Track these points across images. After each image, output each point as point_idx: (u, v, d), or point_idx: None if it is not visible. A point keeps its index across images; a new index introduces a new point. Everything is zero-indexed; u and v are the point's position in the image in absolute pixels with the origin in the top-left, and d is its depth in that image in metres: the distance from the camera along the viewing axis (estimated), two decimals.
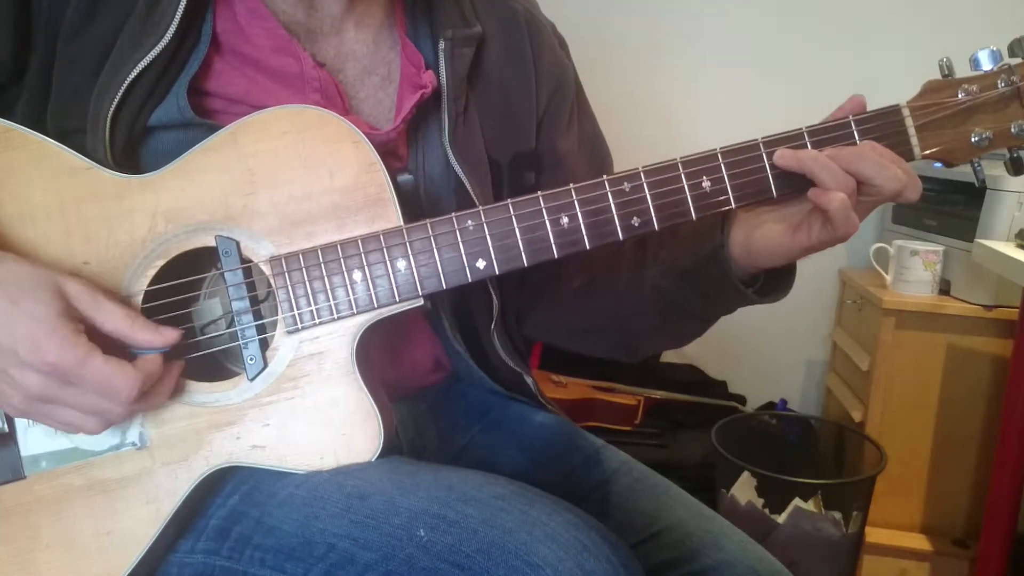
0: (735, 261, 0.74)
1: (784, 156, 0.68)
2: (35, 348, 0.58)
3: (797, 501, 1.59)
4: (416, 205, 0.76)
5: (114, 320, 0.62)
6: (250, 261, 0.69)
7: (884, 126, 0.68)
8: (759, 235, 0.72)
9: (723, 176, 0.68)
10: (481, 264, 0.69)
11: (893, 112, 0.68)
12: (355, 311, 0.68)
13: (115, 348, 0.62)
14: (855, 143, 0.68)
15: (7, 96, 0.75)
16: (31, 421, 0.66)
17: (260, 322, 0.69)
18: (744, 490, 1.63)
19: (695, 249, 0.77)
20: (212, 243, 0.68)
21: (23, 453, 0.67)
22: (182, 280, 0.69)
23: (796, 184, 0.68)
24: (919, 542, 1.76)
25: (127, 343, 0.63)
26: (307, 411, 0.68)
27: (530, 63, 0.88)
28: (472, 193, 0.78)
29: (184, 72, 0.73)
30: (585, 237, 0.69)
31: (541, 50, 0.89)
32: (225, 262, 0.68)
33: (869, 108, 0.69)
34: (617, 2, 2.16)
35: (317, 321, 0.68)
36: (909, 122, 0.68)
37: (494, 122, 0.85)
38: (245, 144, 0.68)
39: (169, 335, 0.64)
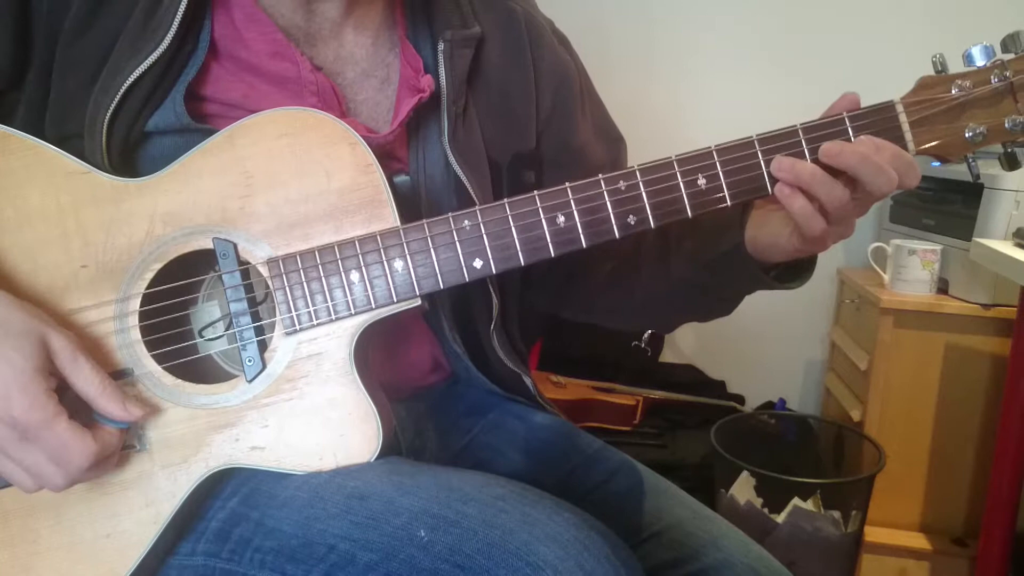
0: (750, 255, 0.75)
1: (782, 168, 0.67)
2: (5, 398, 0.58)
3: (796, 501, 1.59)
4: (416, 206, 0.76)
5: (86, 384, 0.62)
6: (248, 263, 0.69)
7: (878, 122, 0.68)
8: (764, 233, 0.73)
9: (718, 173, 0.68)
10: (478, 264, 0.69)
11: (887, 108, 0.69)
12: (353, 312, 0.68)
13: (82, 412, 0.63)
14: (850, 141, 0.68)
15: (6, 102, 0.75)
16: None
17: (258, 324, 0.69)
18: (743, 490, 1.63)
19: (716, 244, 0.77)
20: (210, 246, 0.68)
21: None
22: (180, 283, 0.69)
23: None
24: (919, 541, 1.76)
25: (93, 407, 0.63)
26: (306, 412, 0.68)
27: (530, 63, 0.88)
28: (472, 193, 0.78)
29: (182, 77, 0.73)
30: (581, 236, 0.69)
31: (541, 50, 0.89)
32: (223, 264, 0.68)
33: (862, 105, 0.69)
34: (612, 2, 2.16)
35: (315, 322, 0.68)
36: (903, 118, 0.68)
37: (494, 122, 0.85)
38: (242, 147, 0.69)
39: (133, 412, 0.64)
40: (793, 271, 0.77)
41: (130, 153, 0.73)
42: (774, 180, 0.68)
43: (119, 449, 0.65)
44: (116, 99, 0.70)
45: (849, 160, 0.65)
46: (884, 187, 0.65)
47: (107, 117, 0.70)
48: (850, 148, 0.66)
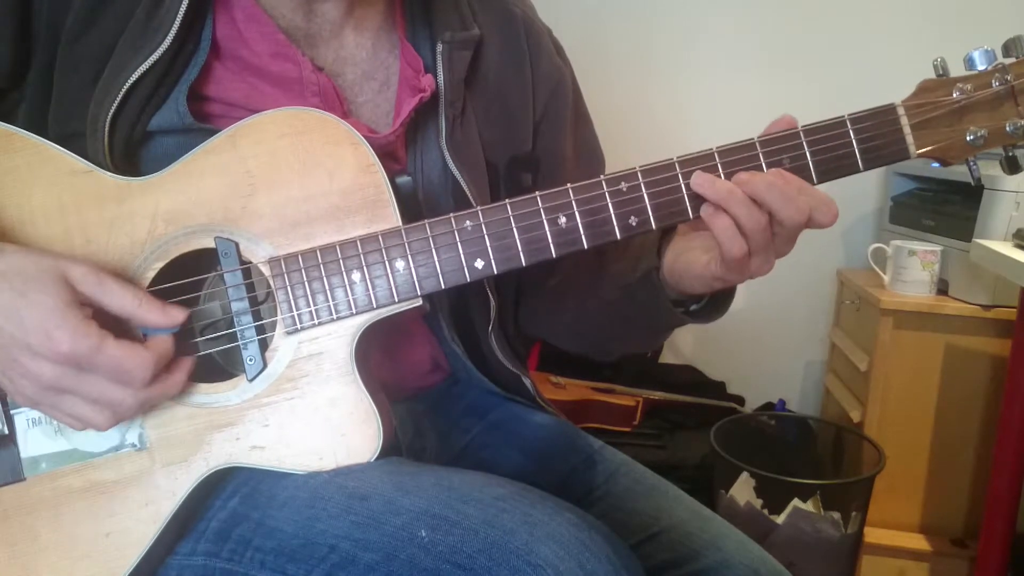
0: (666, 283, 0.75)
1: (702, 184, 0.67)
2: (48, 339, 0.58)
3: (796, 501, 1.59)
4: (414, 207, 0.76)
5: (120, 300, 0.62)
6: (249, 262, 0.69)
7: (879, 125, 0.68)
8: (683, 260, 0.73)
9: (720, 175, 0.68)
10: (479, 264, 0.69)
11: (888, 111, 0.69)
12: (354, 311, 0.69)
13: (125, 333, 0.62)
14: (851, 143, 0.68)
15: (9, 101, 0.75)
16: (31, 423, 0.67)
17: (259, 323, 0.69)
18: (743, 491, 1.63)
19: (636, 267, 0.78)
20: (211, 245, 0.68)
21: (23, 455, 0.67)
22: (182, 281, 0.69)
23: None
24: (918, 542, 1.76)
25: (134, 322, 0.63)
26: (306, 412, 0.68)
27: (527, 66, 0.88)
28: (469, 195, 0.79)
29: (184, 77, 0.73)
30: (583, 237, 0.69)
31: (539, 54, 0.90)
32: (224, 263, 0.68)
33: (864, 107, 0.69)
34: (611, 4, 2.16)
35: (316, 322, 0.68)
36: (904, 121, 0.68)
37: (491, 124, 0.85)
38: (244, 146, 0.69)
39: (176, 315, 0.64)
40: (712, 305, 0.78)
41: (132, 152, 0.73)
42: None
43: (174, 365, 0.65)
44: (118, 99, 0.70)
45: (757, 187, 0.66)
46: (795, 216, 0.65)
47: (109, 116, 0.70)
48: (759, 176, 0.66)
